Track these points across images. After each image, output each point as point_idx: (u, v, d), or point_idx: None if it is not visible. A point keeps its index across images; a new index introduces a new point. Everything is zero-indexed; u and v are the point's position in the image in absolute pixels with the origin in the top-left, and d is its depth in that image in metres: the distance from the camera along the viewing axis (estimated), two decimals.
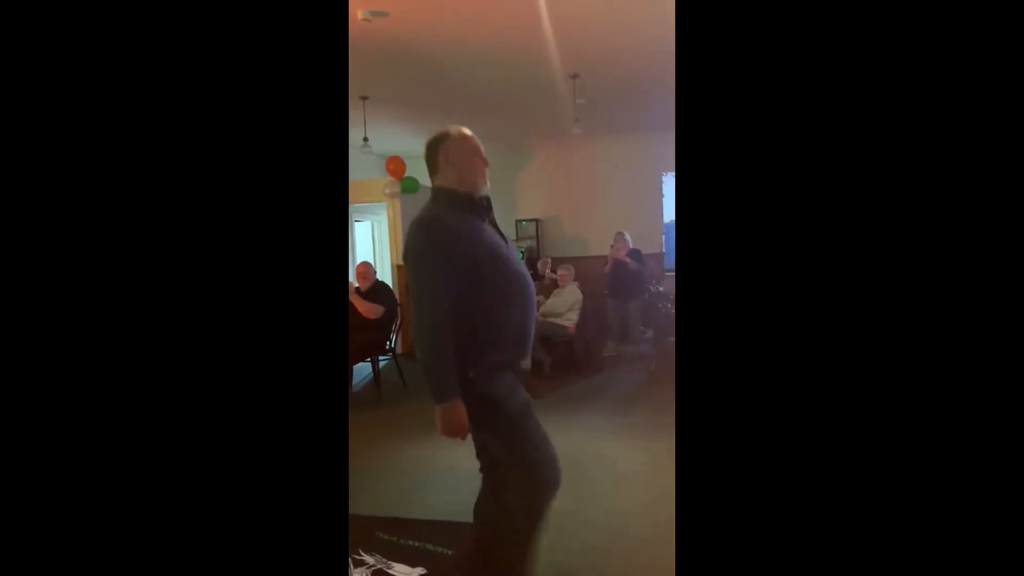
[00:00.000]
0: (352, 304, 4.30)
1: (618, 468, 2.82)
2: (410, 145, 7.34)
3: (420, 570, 0.88)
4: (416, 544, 0.93)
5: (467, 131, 1.55)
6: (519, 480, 1.46)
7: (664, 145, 6.36)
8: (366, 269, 4.57)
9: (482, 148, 1.56)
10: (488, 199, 1.56)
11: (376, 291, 4.48)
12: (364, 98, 5.10)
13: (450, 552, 0.90)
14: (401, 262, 6.22)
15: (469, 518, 1.53)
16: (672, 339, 4.69)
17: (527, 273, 1.58)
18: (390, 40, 3.93)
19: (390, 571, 0.87)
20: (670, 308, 5.12)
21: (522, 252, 7.01)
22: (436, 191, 1.53)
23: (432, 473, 2.86)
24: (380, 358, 4.57)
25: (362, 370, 4.89)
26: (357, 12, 3.49)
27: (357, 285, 4.53)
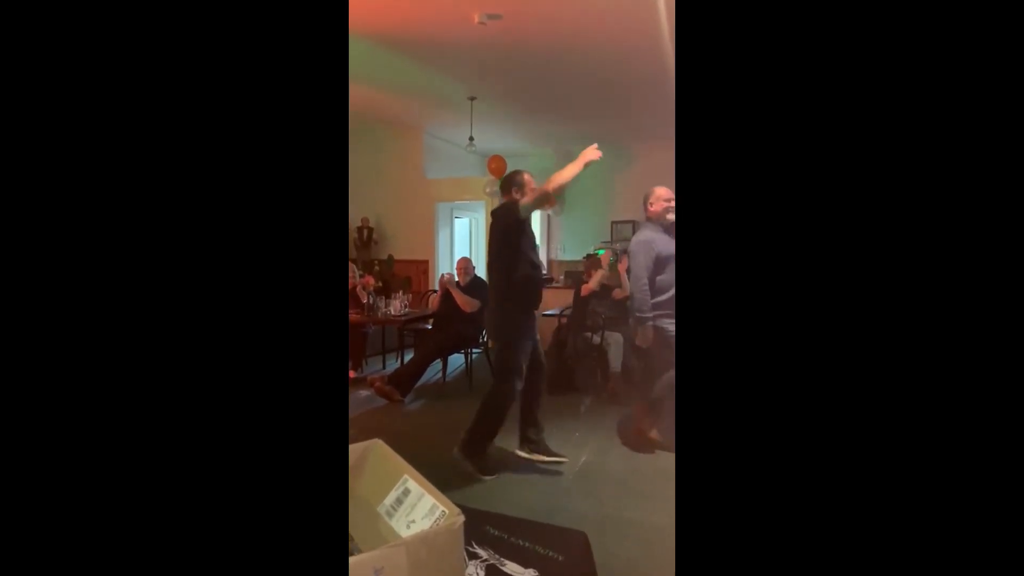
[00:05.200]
0: (452, 297, 4.45)
1: None
2: (513, 145, 7.45)
3: (532, 572, 0.91)
4: (526, 544, 0.96)
5: (671, 193, 3.10)
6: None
7: None
8: (466, 264, 4.70)
9: (669, 194, 3.11)
10: (672, 223, 3.07)
11: (473, 286, 4.61)
12: (472, 98, 5.23)
13: (561, 558, 0.93)
14: None
15: (551, 519, 1.57)
16: None
17: None
18: (501, 42, 4.01)
19: (503, 568, 0.91)
20: None
21: (616, 254, 6.92)
22: (646, 223, 3.19)
23: (517, 469, 2.91)
24: (473, 351, 4.70)
25: (454, 361, 5.05)
26: (474, 15, 3.61)
27: (457, 279, 4.68)
